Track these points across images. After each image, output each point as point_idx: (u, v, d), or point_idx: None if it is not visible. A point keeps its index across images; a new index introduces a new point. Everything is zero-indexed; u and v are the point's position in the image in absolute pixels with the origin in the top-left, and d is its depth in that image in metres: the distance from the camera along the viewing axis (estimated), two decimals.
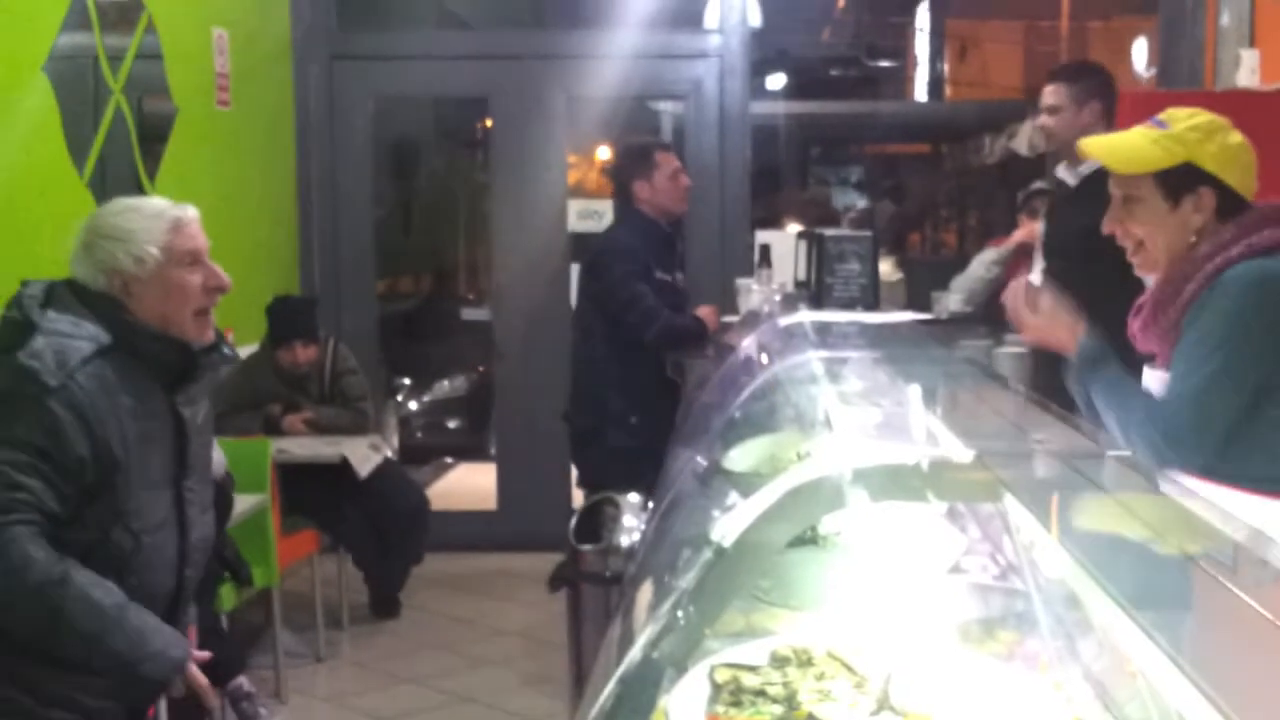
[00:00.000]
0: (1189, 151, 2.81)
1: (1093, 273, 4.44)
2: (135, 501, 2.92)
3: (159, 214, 3.00)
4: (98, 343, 2.87)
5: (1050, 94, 4.77)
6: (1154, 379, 2.96)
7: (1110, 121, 4.69)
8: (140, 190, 5.58)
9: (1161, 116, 2.92)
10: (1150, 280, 3.00)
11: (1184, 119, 2.87)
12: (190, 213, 3.05)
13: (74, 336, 2.86)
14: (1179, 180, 2.83)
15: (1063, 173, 4.79)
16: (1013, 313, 3.14)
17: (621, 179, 5.77)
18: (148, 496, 2.96)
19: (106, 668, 2.87)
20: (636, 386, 5.57)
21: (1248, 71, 5.60)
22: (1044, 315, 3.07)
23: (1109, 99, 4.75)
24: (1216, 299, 2.76)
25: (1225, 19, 6.26)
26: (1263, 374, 2.76)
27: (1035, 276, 5.07)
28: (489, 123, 8.44)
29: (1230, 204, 2.84)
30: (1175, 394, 2.78)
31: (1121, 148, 2.95)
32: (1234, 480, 2.74)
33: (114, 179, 5.34)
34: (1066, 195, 4.77)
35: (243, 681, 5.17)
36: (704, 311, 5.73)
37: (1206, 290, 2.78)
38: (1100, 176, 4.56)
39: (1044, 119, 4.78)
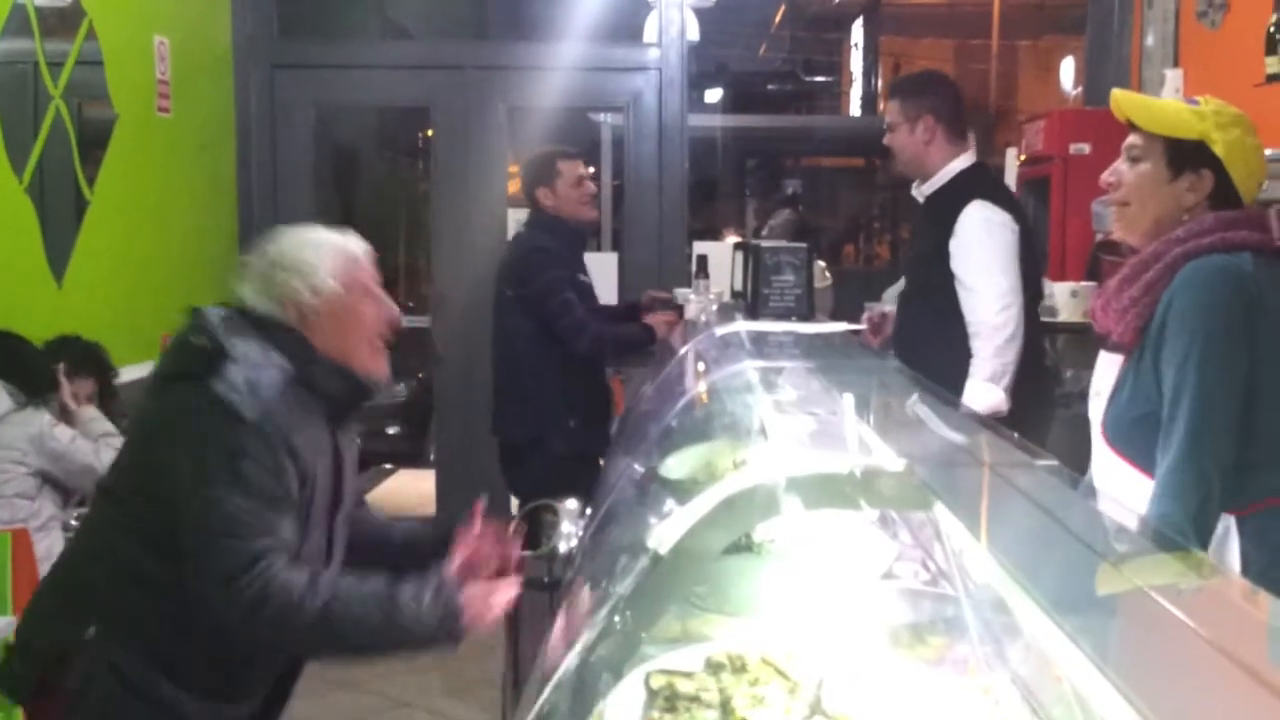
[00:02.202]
0: (1205, 130, 2.79)
1: (932, 292, 4.42)
2: (302, 539, 2.81)
3: (337, 249, 2.93)
4: (285, 372, 2.78)
5: (888, 110, 4.56)
6: (1108, 361, 2.93)
7: (953, 137, 4.41)
8: (79, 195, 5.56)
9: (1198, 98, 2.91)
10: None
11: (1215, 104, 2.87)
12: (364, 247, 3.00)
13: (264, 367, 2.75)
14: (1186, 154, 2.81)
15: (915, 190, 4.55)
16: None
17: (526, 187, 5.69)
18: (311, 534, 2.86)
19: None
20: (573, 391, 5.51)
21: (1171, 90, 5.68)
22: None
23: (944, 112, 4.41)
24: (1175, 303, 2.71)
25: (1150, 39, 6.36)
26: (1244, 362, 2.68)
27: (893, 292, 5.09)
28: (430, 132, 8.45)
29: (1226, 198, 2.81)
30: (1180, 419, 2.66)
31: (1149, 106, 2.95)
32: None
33: (53, 185, 5.31)
34: (920, 212, 4.61)
35: None
36: (655, 319, 5.65)
37: (1166, 292, 2.73)
38: (939, 198, 4.50)
39: (887, 136, 4.51)
